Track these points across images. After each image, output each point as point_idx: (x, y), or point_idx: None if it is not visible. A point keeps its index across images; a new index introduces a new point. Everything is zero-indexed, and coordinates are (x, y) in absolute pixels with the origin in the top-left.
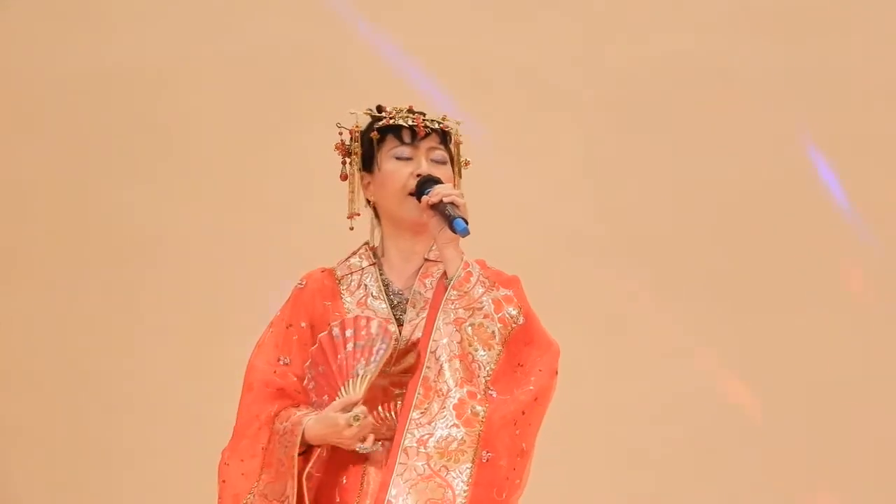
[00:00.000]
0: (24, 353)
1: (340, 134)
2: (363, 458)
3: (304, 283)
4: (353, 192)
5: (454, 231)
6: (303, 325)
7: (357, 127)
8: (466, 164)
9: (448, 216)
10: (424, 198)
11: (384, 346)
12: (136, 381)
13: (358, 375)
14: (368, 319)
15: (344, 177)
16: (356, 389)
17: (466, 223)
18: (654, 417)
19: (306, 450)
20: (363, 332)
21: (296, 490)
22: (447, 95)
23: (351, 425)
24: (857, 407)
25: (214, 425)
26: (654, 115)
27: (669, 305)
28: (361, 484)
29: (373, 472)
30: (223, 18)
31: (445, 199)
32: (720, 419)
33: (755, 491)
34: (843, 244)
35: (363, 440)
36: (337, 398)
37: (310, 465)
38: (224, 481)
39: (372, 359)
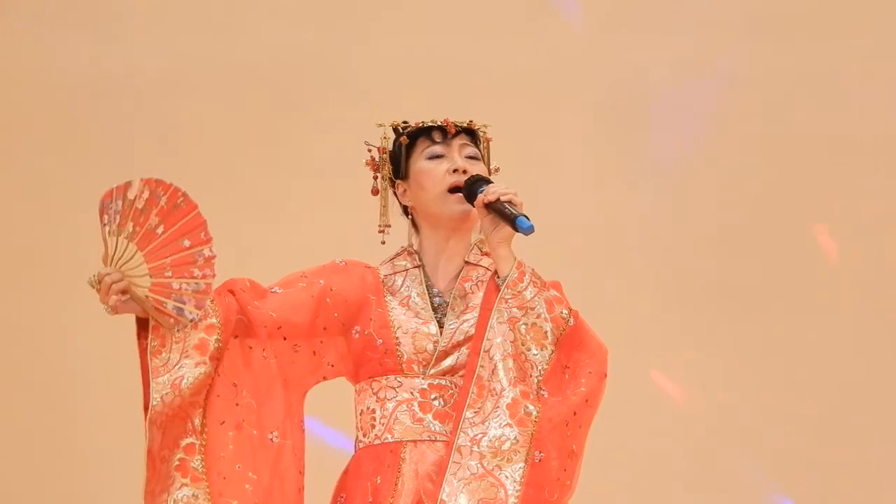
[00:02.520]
0: (23, 354)
1: (370, 151)
2: (398, 458)
3: (343, 262)
4: (385, 205)
5: (517, 229)
6: (321, 282)
7: (385, 137)
8: (496, 170)
9: (509, 214)
10: (479, 196)
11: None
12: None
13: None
14: None
15: (375, 191)
16: None
17: (529, 220)
18: (659, 423)
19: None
20: None
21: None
22: (451, 98)
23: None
24: (863, 411)
25: None
26: (660, 117)
27: (673, 308)
28: (396, 484)
29: (408, 473)
30: (225, 22)
31: (503, 198)
32: (724, 424)
33: (760, 496)
34: (849, 247)
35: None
36: None
37: (149, 339)
38: None
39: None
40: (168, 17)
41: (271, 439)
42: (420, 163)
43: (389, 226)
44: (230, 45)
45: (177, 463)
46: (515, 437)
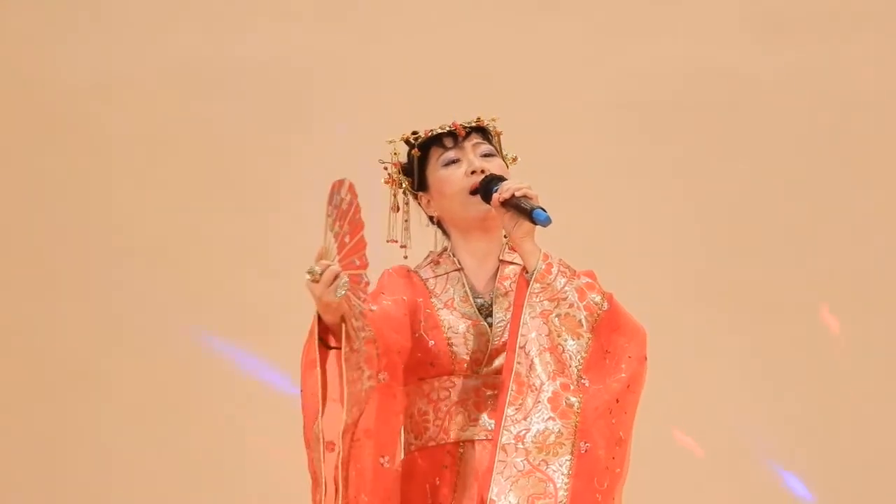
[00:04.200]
0: (30, 356)
1: (385, 169)
2: (456, 459)
3: (393, 270)
4: (407, 220)
5: (535, 222)
6: (404, 298)
7: (396, 153)
8: (514, 160)
9: (526, 209)
10: (495, 196)
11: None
12: (141, 385)
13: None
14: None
15: (396, 208)
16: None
17: (546, 212)
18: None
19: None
20: None
21: (319, 380)
22: (457, 102)
23: (315, 281)
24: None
25: (215, 428)
26: (674, 120)
27: (683, 311)
28: (456, 484)
29: (468, 473)
30: (229, 23)
31: (517, 193)
32: (744, 427)
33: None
34: (861, 248)
35: (336, 290)
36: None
37: (343, 347)
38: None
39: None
40: (171, 18)
41: (382, 464)
42: (437, 171)
43: (405, 245)
44: (234, 46)
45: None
46: (559, 430)
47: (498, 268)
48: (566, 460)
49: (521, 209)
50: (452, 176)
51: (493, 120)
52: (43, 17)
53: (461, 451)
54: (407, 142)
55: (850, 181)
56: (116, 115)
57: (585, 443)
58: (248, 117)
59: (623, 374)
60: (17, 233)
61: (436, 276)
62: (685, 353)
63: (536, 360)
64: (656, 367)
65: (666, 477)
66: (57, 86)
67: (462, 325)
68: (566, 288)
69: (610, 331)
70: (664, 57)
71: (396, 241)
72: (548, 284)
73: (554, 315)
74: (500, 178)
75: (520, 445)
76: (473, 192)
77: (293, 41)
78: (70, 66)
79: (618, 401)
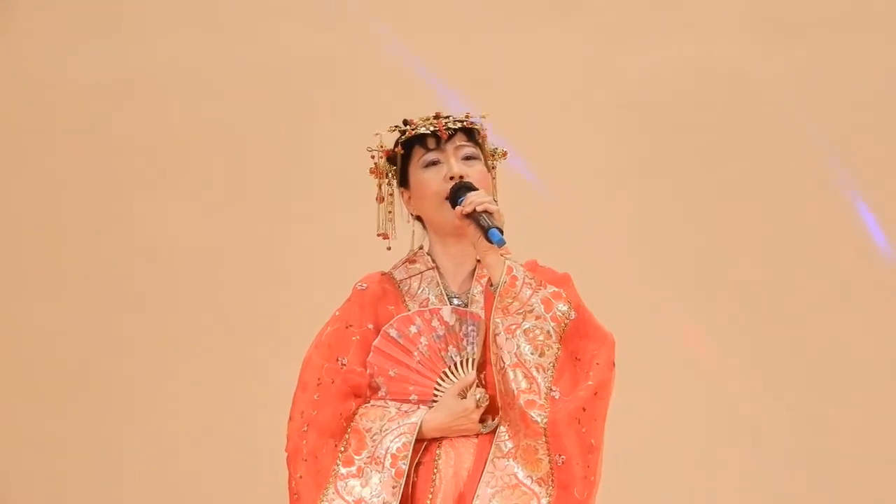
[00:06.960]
0: (35, 358)
1: (372, 157)
2: (433, 456)
3: (365, 285)
4: (391, 211)
5: (490, 241)
6: (370, 326)
7: (382, 146)
8: (504, 154)
9: (483, 226)
10: (458, 208)
11: (473, 327)
12: (145, 387)
13: (455, 362)
14: (433, 311)
15: (380, 199)
16: (466, 373)
17: (501, 232)
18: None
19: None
20: (434, 324)
21: (402, 491)
22: (460, 104)
23: (479, 407)
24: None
25: (220, 431)
26: (675, 120)
27: (688, 311)
28: (433, 482)
29: (445, 470)
30: (235, 25)
31: (479, 209)
32: (738, 428)
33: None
34: (864, 249)
35: (483, 421)
36: (436, 390)
37: (416, 459)
38: (301, 477)
39: (464, 343)
40: (177, 20)
41: None
42: (418, 172)
43: (388, 237)
44: (239, 48)
45: None
46: (534, 447)
47: (475, 268)
48: (547, 474)
49: (480, 225)
50: (430, 180)
51: (484, 117)
52: (54, 21)
53: (439, 449)
54: (400, 131)
55: (852, 181)
56: (123, 117)
57: (560, 455)
58: (254, 119)
59: (590, 382)
60: (29, 234)
61: (409, 277)
62: (686, 352)
63: (508, 376)
64: (657, 366)
65: (666, 476)
66: (66, 87)
67: (442, 314)
68: (532, 300)
69: (579, 338)
70: (666, 58)
71: (387, 237)
72: (514, 297)
73: (521, 329)
74: (469, 188)
75: (510, 461)
76: (447, 198)
77: (299, 44)
78: (80, 69)
79: (584, 409)
